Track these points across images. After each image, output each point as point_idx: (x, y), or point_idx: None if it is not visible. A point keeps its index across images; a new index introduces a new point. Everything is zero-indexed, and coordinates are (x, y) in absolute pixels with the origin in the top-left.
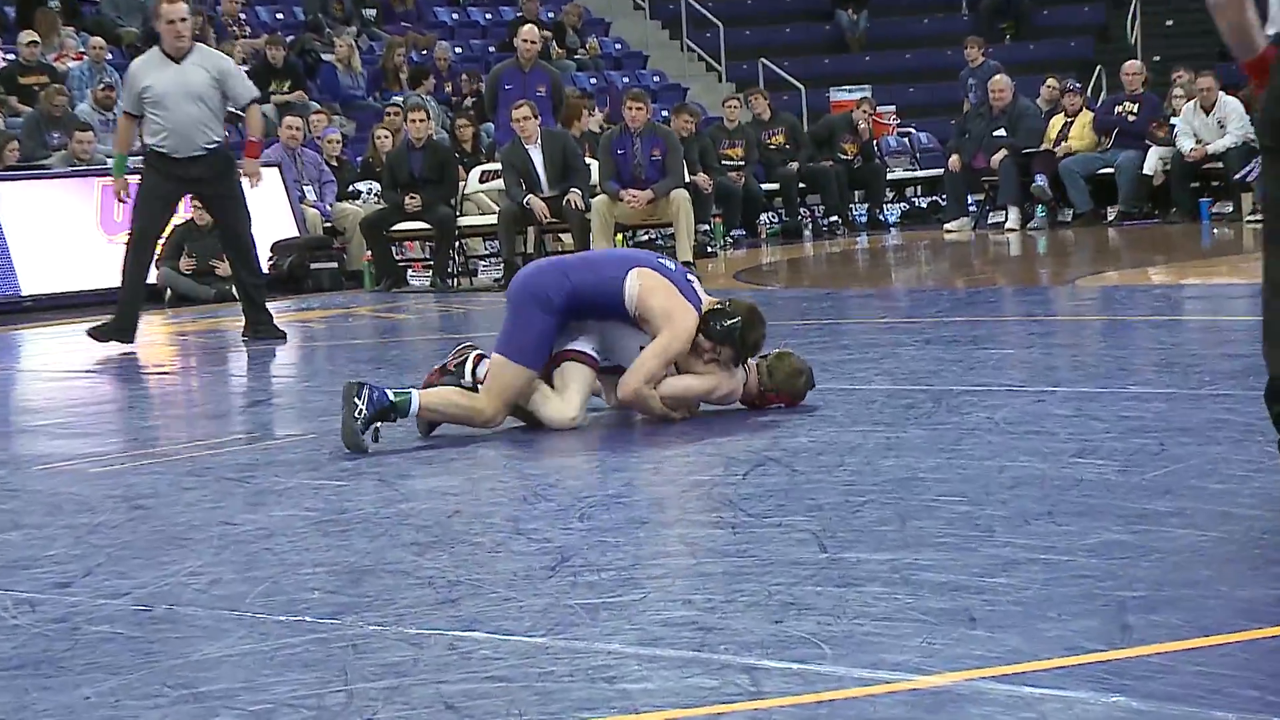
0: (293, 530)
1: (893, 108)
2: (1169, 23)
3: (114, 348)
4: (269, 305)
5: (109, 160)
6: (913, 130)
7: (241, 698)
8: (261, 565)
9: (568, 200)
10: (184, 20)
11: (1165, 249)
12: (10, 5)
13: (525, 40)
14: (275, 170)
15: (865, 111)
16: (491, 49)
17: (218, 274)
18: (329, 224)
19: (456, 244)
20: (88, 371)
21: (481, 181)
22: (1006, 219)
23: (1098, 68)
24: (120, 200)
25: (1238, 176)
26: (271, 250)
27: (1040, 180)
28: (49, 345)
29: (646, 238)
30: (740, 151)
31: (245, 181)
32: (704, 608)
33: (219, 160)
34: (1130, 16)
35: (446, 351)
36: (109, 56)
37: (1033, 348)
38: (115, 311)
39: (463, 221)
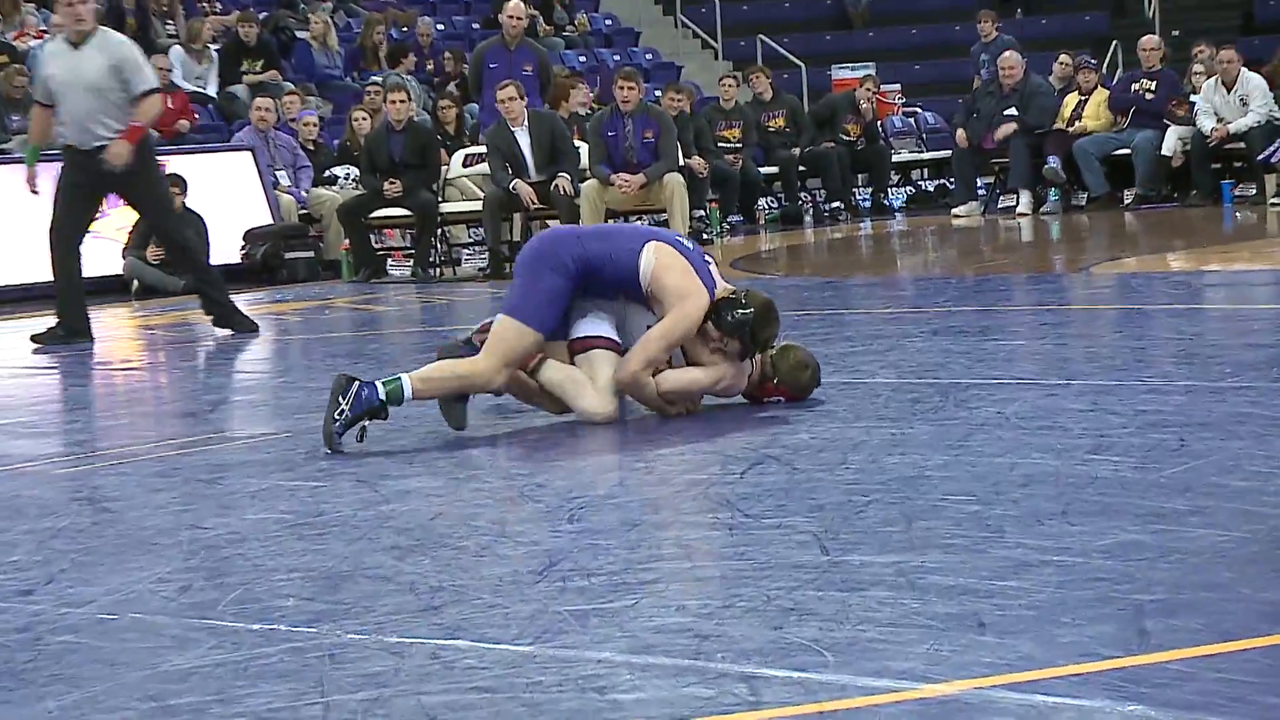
0: (266, 534)
1: (897, 86)
2: None
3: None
4: (234, 296)
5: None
6: (919, 110)
7: (213, 711)
8: (233, 571)
9: (556, 185)
10: (83, 2)
11: (1185, 234)
12: None
13: (511, 16)
14: (248, 155)
15: (869, 90)
16: (475, 25)
17: None
18: (304, 211)
19: (439, 232)
20: (49, 367)
21: (465, 166)
22: (1018, 203)
23: (1113, 43)
24: (32, 192)
25: (1261, 158)
26: (244, 239)
27: (1053, 162)
28: (9, 339)
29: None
30: (737, 133)
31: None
32: (700, 614)
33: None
34: None
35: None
36: None
37: (1045, 339)
38: (57, 314)
39: (445, 208)
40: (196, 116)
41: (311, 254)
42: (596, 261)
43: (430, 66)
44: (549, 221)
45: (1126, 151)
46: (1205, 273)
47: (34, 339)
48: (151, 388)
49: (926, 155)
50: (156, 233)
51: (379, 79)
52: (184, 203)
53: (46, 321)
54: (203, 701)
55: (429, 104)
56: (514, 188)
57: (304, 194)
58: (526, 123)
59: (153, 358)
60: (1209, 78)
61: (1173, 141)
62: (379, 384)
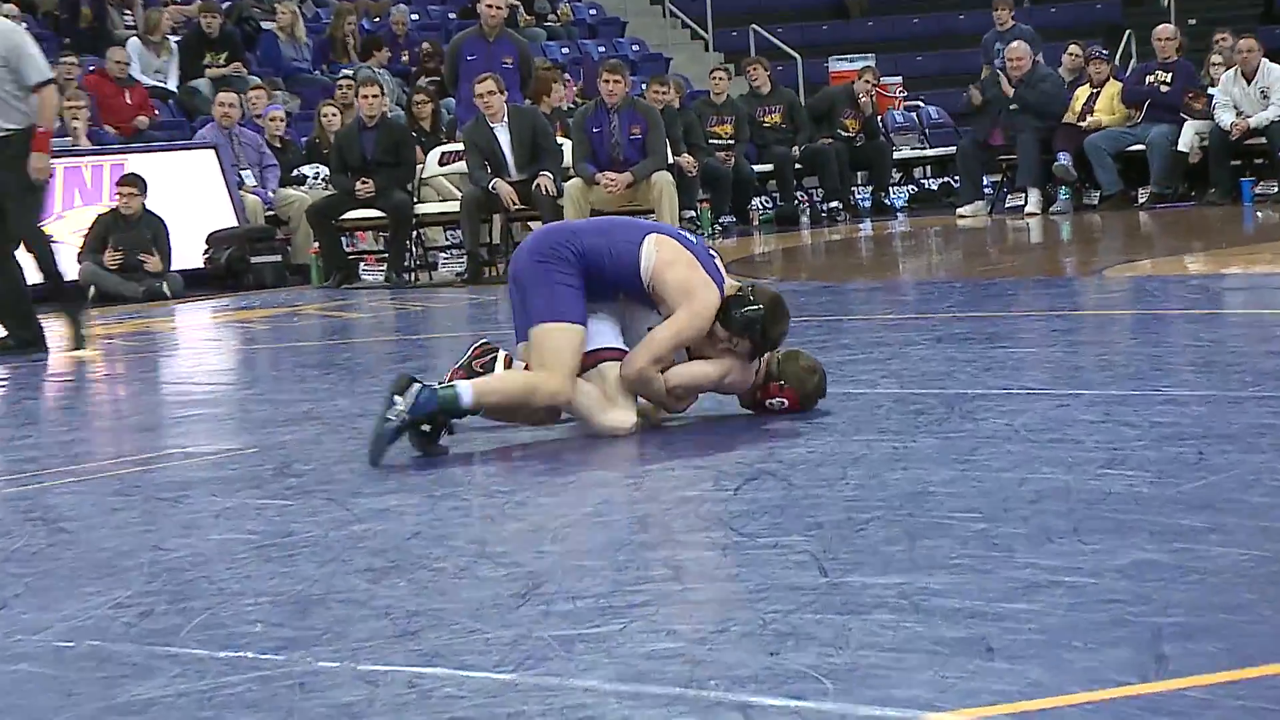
0: (232, 556)
1: (899, 79)
2: None
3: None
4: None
5: None
6: (921, 104)
7: None
8: (197, 595)
9: (538, 184)
10: None
11: (1203, 234)
12: None
13: (490, 6)
14: (211, 153)
15: (868, 83)
16: (452, 16)
17: (147, 269)
18: (271, 212)
19: (414, 234)
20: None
21: (441, 164)
22: (1026, 202)
23: (1126, 32)
24: None
25: None
26: (207, 242)
27: (1063, 159)
28: None
29: None
30: (730, 129)
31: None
32: (692, 639)
33: (6, 149)
34: None
35: (462, 350)
36: (25, 25)
37: (1056, 346)
38: (4, 326)
39: (420, 209)
40: (156, 112)
41: (279, 258)
42: (595, 256)
43: (405, 58)
44: (530, 224)
45: (1141, 147)
46: (1225, 276)
47: None
48: (110, 400)
49: (930, 152)
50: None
51: (350, 72)
52: (143, 204)
53: None
54: None
55: (403, 99)
56: (493, 187)
57: (270, 194)
58: (506, 118)
59: (111, 368)
60: (1228, 69)
61: (1190, 136)
62: (437, 387)
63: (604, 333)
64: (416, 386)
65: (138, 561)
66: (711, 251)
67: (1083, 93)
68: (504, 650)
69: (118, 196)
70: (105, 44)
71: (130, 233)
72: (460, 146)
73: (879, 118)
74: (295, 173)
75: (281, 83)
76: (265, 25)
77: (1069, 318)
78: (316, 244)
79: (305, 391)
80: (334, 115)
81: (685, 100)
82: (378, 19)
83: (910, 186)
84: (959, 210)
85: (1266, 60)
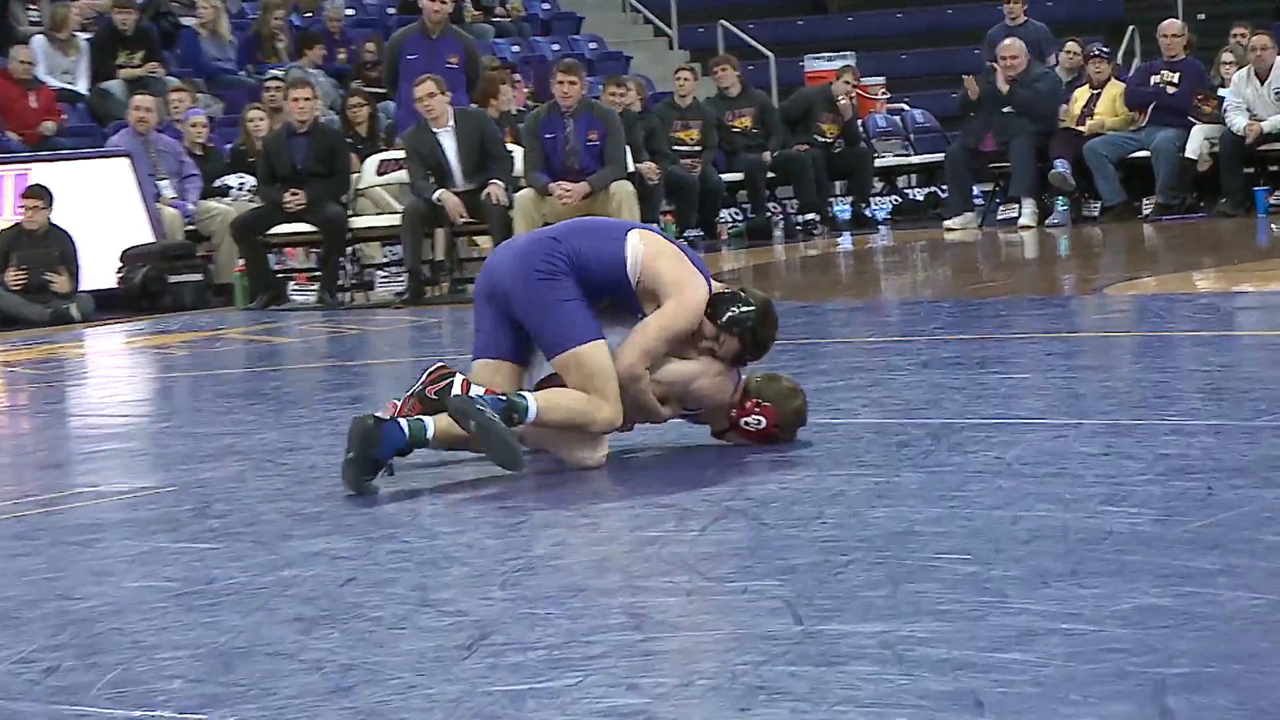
0: (148, 605)
1: (881, 79)
2: None
3: None
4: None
5: None
6: (905, 107)
7: None
8: (109, 649)
9: (487, 194)
10: None
11: (1213, 249)
12: None
13: (433, 1)
14: (125, 162)
15: (847, 84)
16: (391, 11)
17: (53, 289)
18: (191, 227)
19: (349, 250)
20: None
21: (379, 174)
22: (1020, 214)
23: (1129, 29)
24: None
25: None
26: (121, 259)
27: (1061, 166)
28: None
29: None
30: (696, 134)
31: None
32: (654, 694)
33: None
34: None
35: (414, 377)
36: None
37: (1052, 371)
38: None
39: (356, 223)
40: (64, 117)
41: (200, 277)
42: (583, 260)
43: (342, 57)
44: (477, 238)
45: (1145, 154)
46: (1236, 294)
47: None
48: (11, 435)
49: (915, 159)
50: None
51: (279, 73)
52: (49, 219)
53: None
54: None
55: (339, 102)
56: (438, 199)
57: (191, 207)
58: (451, 123)
59: (14, 399)
60: (1240, 68)
61: (1199, 142)
62: (502, 396)
63: None
64: (480, 397)
65: (43, 612)
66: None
67: (1082, 94)
68: (448, 708)
69: (21, 210)
70: (7, 42)
71: (35, 250)
72: (400, 154)
73: (859, 122)
74: (218, 183)
75: (203, 84)
76: (185, 21)
77: (1067, 340)
78: (241, 261)
79: (229, 424)
80: (261, 120)
81: (647, 103)
82: (310, 14)
83: (893, 197)
84: (947, 223)
85: None
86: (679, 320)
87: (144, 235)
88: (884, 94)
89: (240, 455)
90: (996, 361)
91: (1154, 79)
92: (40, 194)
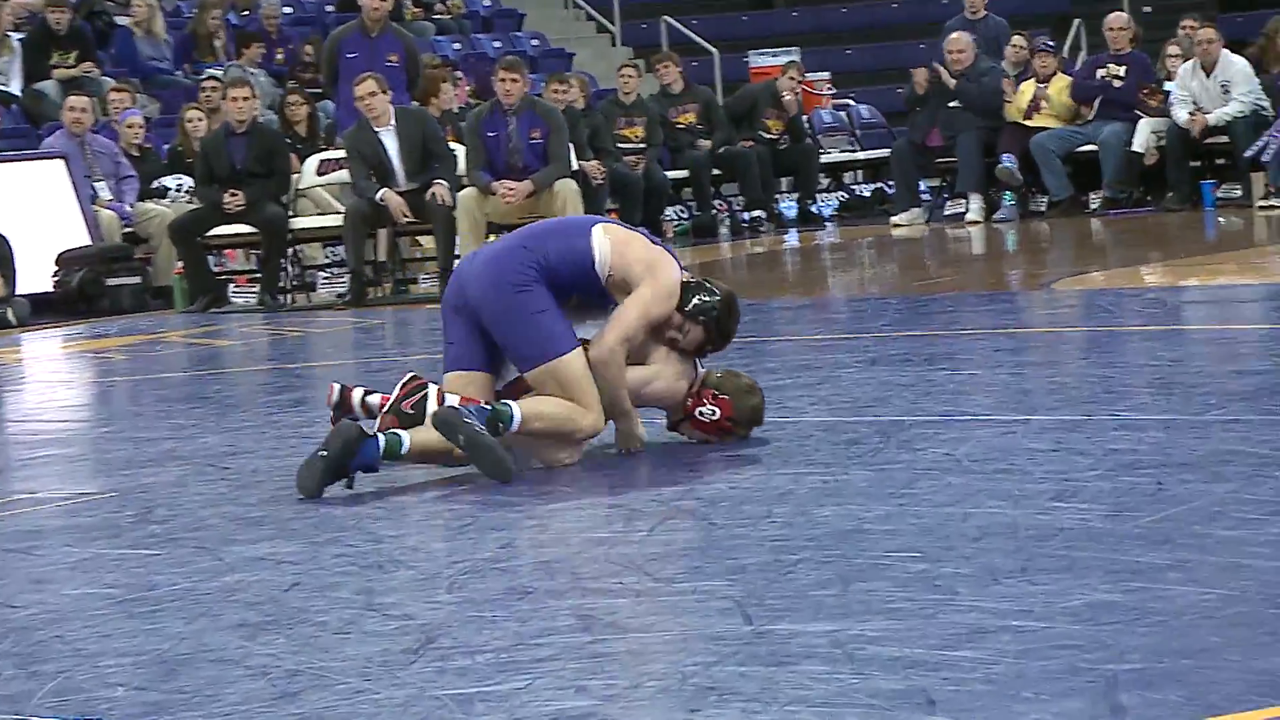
0: (89, 612)
1: (826, 75)
2: None
3: None
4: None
5: None
6: (851, 102)
7: None
8: (50, 657)
9: (431, 194)
10: None
11: (1161, 243)
12: None
13: None
14: (60, 164)
15: (792, 80)
16: (330, 9)
17: None
18: (129, 229)
19: (290, 252)
20: None
21: (320, 173)
22: (967, 209)
23: (1075, 22)
24: None
25: (1247, 154)
26: (57, 263)
27: (1007, 161)
28: None
29: None
30: (640, 131)
31: None
32: (603, 695)
33: None
34: None
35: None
36: None
37: (1001, 368)
38: None
39: (296, 223)
40: None
41: (138, 280)
42: (552, 262)
43: (281, 57)
44: (419, 239)
45: (1092, 148)
46: (1184, 288)
47: None
48: None
49: (861, 155)
50: None
51: (217, 72)
52: None
53: None
54: None
55: (278, 101)
56: (381, 198)
57: (128, 209)
58: (393, 122)
59: None
60: (1186, 61)
61: (1145, 135)
62: (488, 406)
63: None
64: (466, 408)
65: None
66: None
67: (1028, 88)
68: (395, 712)
69: None
70: None
71: None
72: (340, 154)
73: (805, 118)
74: (156, 184)
75: (138, 85)
76: (120, 21)
77: (1015, 336)
78: (180, 264)
79: (169, 429)
80: (200, 120)
81: (590, 100)
82: (247, 13)
83: (840, 193)
84: (894, 219)
85: (1227, 51)
86: (656, 303)
87: (80, 238)
88: (829, 89)
89: (182, 460)
90: (945, 358)
91: (1100, 72)
92: None
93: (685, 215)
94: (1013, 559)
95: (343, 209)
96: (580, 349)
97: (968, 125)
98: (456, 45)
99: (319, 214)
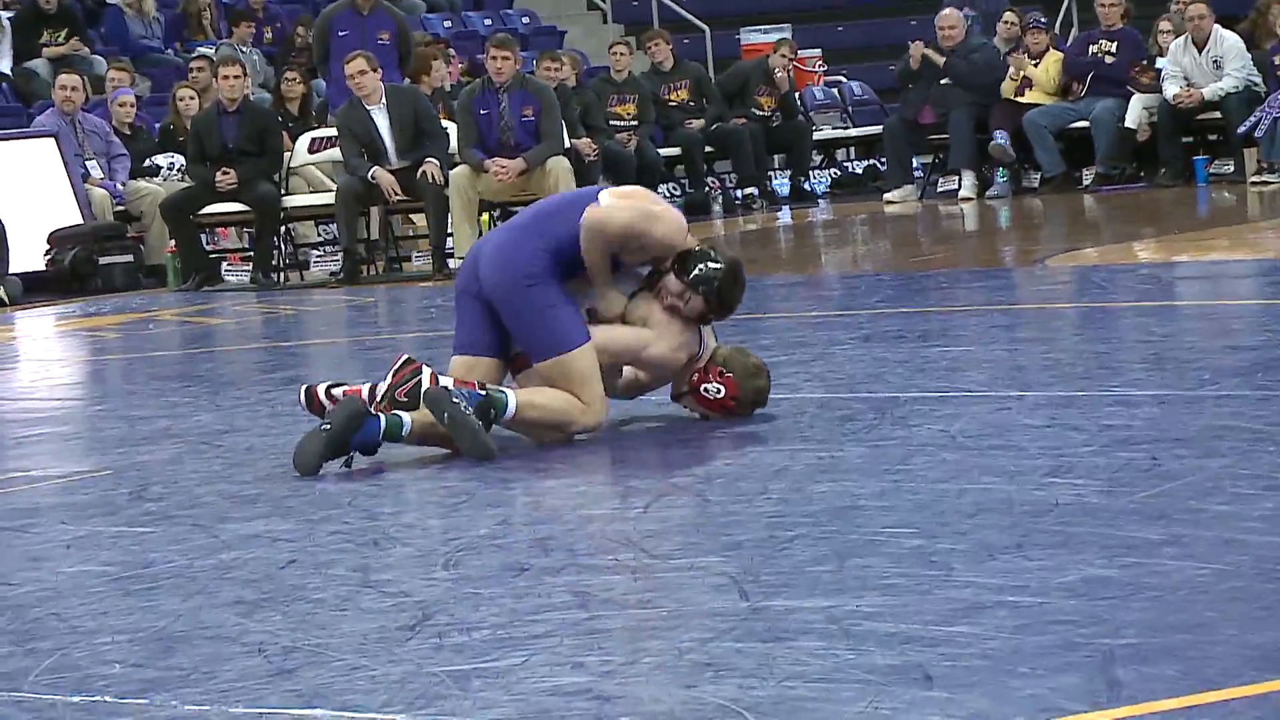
0: (86, 590)
1: (818, 51)
2: None
3: None
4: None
5: None
6: (843, 79)
7: None
8: (47, 634)
9: (423, 172)
10: None
11: (1153, 219)
12: None
13: None
14: (51, 142)
15: (784, 56)
16: None
17: None
18: (121, 207)
19: (282, 230)
20: None
21: (312, 151)
22: (960, 186)
23: None
24: None
25: (1240, 130)
26: (49, 241)
27: (1000, 137)
28: None
29: None
30: (632, 109)
31: None
32: (600, 672)
33: None
34: None
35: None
36: None
37: (995, 344)
38: None
39: (289, 201)
40: None
41: (131, 258)
42: (563, 245)
43: (269, 36)
44: (412, 216)
45: (1085, 124)
46: (1177, 264)
47: None
48: None
49: (853, 132)
50: None
51: (209, 50)
52: None
53: None
54: None
55: (272, 79)
56: (373, 176)
57: (120, 187)
58: (383, 100)
59: None
60: (1178, 37)
61: (1138, 112)
62: (480, 389)
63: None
64: (460, 389)
65: None
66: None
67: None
68: (392, 689)
69: None
70: None
71: None
72: (332, 132)
73: (797, 95)
74: (147, 163)
75: (129, 63)
76: None
77: (1009, 312)
78: (173, 242)
79: (163, 407)
80: (191, 99)
81: (582, 78)
82: None
83: (832, 170)
84: (886, 196)
85: (1219, 27)
86: (661, 223)
87: (72, 216)
88: (821, 66)
89: (176, 438)
90: (939, 335)
91: (1092, 49)
92: None
93: (678, 192)
94: (1008, 535)
95: (335, 187)
96: (589, 344)
97: (960, 102)
98: (447, 23)
99: (311, 192)
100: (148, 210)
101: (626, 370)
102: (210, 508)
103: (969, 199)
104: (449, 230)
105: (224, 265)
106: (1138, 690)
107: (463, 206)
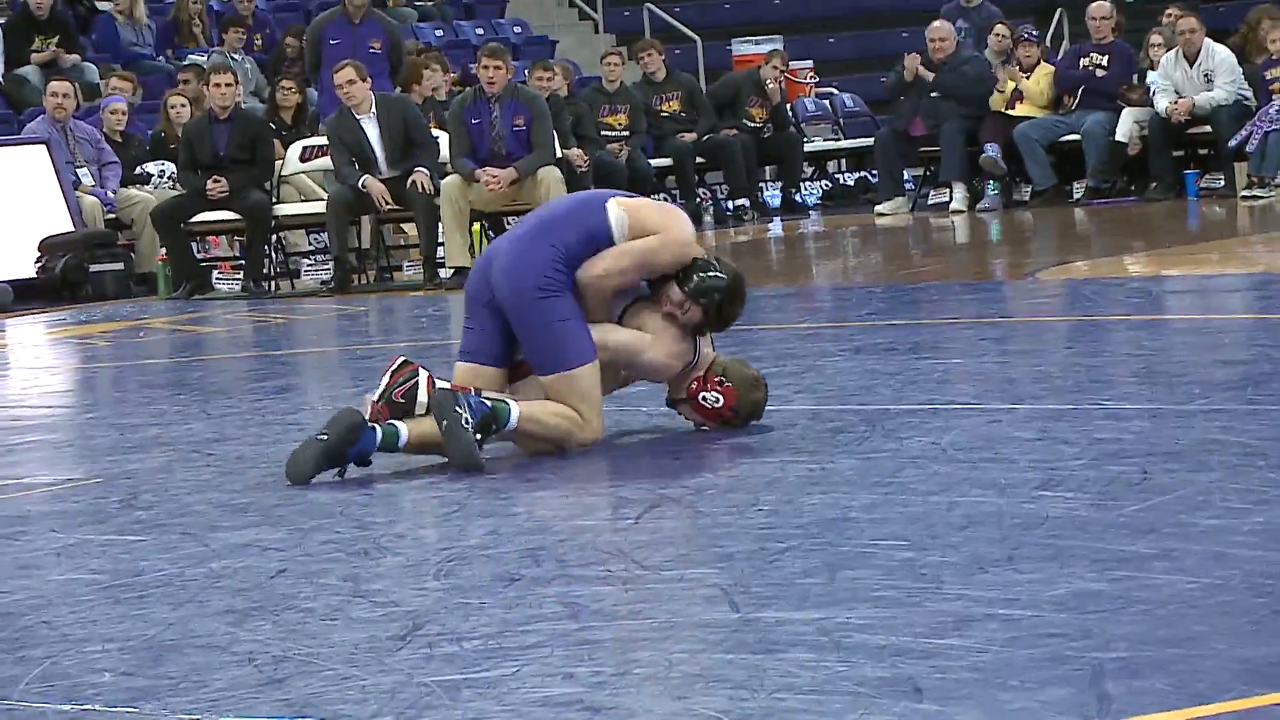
0: (76, 598)
1: (809, 63)
2: None
3: None
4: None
5: None
6: (834, 91)
7: None
8: (37, 642)
9: (412, 181)
10: None
11: (1144, 232)
12: None
13: None
14: (42, 149)
15: (776, 68)
16: None
17: None
18: (112, 215)
19: (273, 238)
20: None
21: (303, 160)
22: (951, 198)
23: (1058, 11)
24: None
25: (1231, 144)
26: (40, 249)
27: (991, 150)
28: None
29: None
30: (624, 119)
31: None
32: (590, 683)
33: None
34: None
35: (372, 376)
36: None
37: (985, 357)
38: None
39: (280, 210)
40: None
41: (121, 266)
42: (574, 251)
43: (260, 43)
44: (403, 225)
45: (1075, 137)
46: (1168, 278)
47: None
48: None
49: (845, 144)
50: None
51: (200, 58)
52: None
53: None
54: None
55: (262, 87)
56: (363, 184)
57: (111, 195)
58: (373, 109)
59: None
60: (1169, 50)
61: (1128, 125)
62: (485, 399)
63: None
64: (464, 396)
65: None
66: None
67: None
68: (382, 699)
69: None
70: None
71: None
72: (324, 140)
73: (788, 106)
74: (139, 170)
75: (120, 69)
76: (101, 6)
77: (999, 325)
78: (164, 250)
79: (153, 415)
80: (183, 106)
81: (574, 88)
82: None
83: (824, 182)
84: (877, 208)
85: (1210, 41)
86: (665, 250)
87: (63, 224)
88: (812, 78)
89: (167, 446)
90: (930, 347)
91: (1083, 62)
92: None
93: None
94: (999, 548)
95: (326, 196)
96: (595, 362)
97: (951, 114)
98: (439, 31)
99: (303, 201)
100: (139, 218)
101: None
102: (201, 516)
103: (960, 211)
104: (440, 240)
105: (215, 273)
106: (1127, 704)
107: (454, 216)
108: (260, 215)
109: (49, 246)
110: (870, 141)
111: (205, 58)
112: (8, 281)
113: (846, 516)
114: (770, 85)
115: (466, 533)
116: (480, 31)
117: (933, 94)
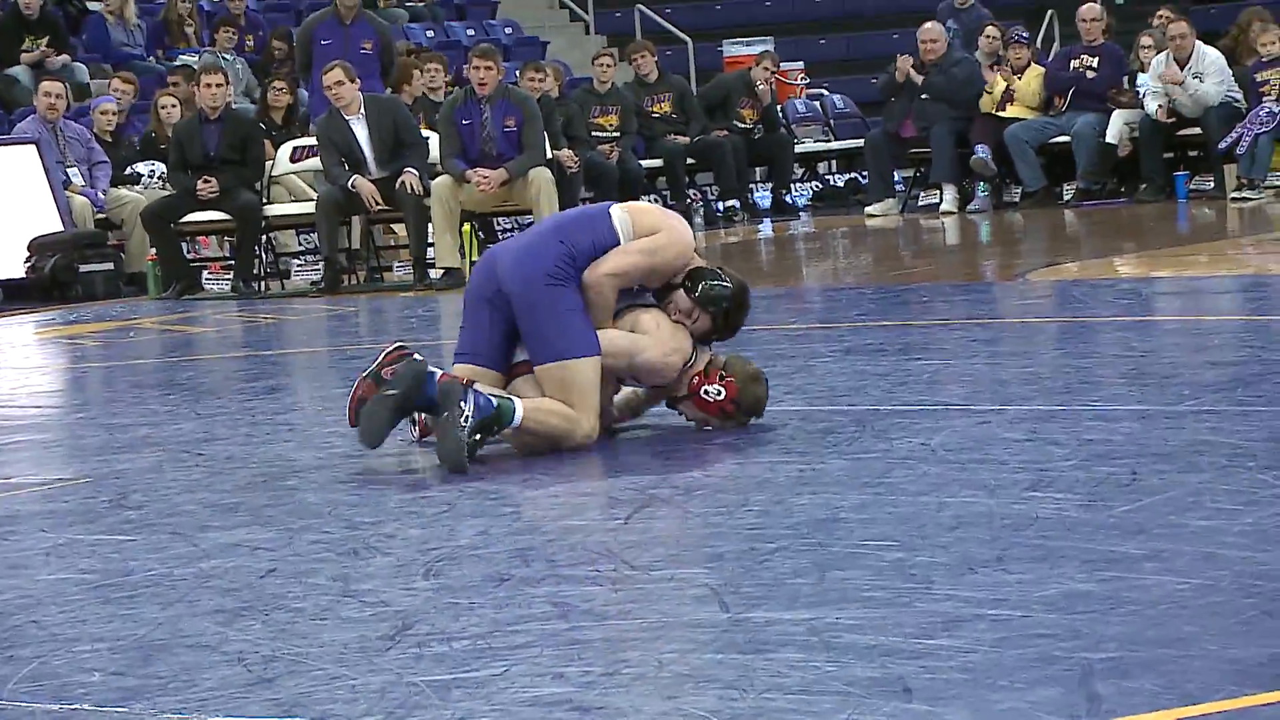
0: (65, 598)
1: (800, 64)
2: None
3: None
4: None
5: None
6: (825, 92)
7: None
8: (26, 642)
9: (402, 182)
10: None
11: (1134, 234)
12: None
13: None
14: (32, 149)
15: (766, 69)
16: None
17: None
18: (102, 215)
19: (263, 238)
20: None
21: (293, 160)
22: (941, 200)
23: (1048, 13)
24: None
25: (1221, 146)
26: (29, 249)
27: (981, 152)
28: None
29: (502, 228)
30: (614, 120)
31: None
32: (580, 682)
33: None
34: None
35: (367, 360)
36: None
37: (975, 358)
38: None
39: (270, 210)
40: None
41: (111, 266)
42: (582, 255)
43: (251, 43)
44: (393, 226)
45: (1066, 139)
46: (1158, 279)
47: None
48: None
49: (835, 145)
50: None
51: (190, 58)
52: None
53: None
54: None
55: (253, 87)
56: (353, 185)
57: (101, 195)
58: (363, 110)
59: None
60: (1159, 52)
61: (1118, 127)
62: (493, 397)
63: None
64: (471, 393)
65: None
66: None
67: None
68: (372, 699)
69: None
70: None
71: None
72: (313, 141)
73: (779, 107)
74: (129, 170)
75: (110, 70)
76: (91, 6)
77: (989, 326)
78: (154, 250)
79: (143, 415)
80: (173, 106)
81: (565, 89)
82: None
83: (814, 183)
84: (868, 209)
85: (1200, 43)
86: (666, 250)
87: (53, 224)
88: (803, 79)
89: (156, 446)
90: (920, 348)
91: (1073, 64)
92: None
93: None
94: (988, 548)
95: (316, 196)
96: (597, 359)
97: (941, 116)
98: (430, 32)
99: (293, 201)
100: (129, 218)
101: (624, 390)
102: (190, 516)
103: (950, 213)
104: (430, 240)
105: (205, 274)
106: (1117, 704)
107: (444, 217)
108: (250, 215)
109: (38, 246)
110: (861, 143)
111: (196, 58)
112: None
113: (836, 517)
114: (761, 86)
115: (456, 533)
116: (471, 32)
117: (923, 95)
